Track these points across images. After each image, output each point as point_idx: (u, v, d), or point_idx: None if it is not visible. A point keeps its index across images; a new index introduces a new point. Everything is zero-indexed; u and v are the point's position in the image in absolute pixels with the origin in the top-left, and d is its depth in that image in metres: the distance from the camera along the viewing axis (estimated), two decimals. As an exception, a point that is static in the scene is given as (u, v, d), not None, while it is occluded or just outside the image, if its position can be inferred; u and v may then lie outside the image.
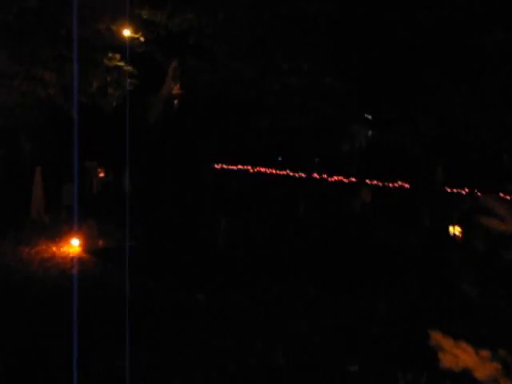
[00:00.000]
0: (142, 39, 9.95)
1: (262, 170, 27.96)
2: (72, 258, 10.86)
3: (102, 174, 20.29)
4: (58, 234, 12.97)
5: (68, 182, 15.76)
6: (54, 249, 11.72)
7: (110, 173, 20.84)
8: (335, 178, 22.30)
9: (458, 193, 16.53)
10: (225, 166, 23.45)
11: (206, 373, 6.65)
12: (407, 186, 19.39)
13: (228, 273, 10.78)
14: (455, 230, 13.36)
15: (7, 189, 16.11)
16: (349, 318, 8.70)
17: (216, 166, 20.82)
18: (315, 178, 22.63)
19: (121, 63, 10.01)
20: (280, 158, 37.96)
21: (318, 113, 10.73)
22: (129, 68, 10.07)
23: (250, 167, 27.80)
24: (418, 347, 6.31)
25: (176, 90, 8.81)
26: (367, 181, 19.52)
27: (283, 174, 25.35)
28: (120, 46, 9.53)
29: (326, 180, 22.39)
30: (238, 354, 7.18)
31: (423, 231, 13.40)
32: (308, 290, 9.39)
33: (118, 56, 9.97)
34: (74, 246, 11.65)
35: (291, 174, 25.69)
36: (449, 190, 16.64)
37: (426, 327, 3.46)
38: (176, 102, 8.82)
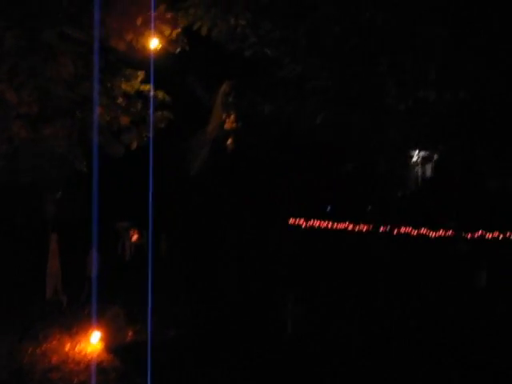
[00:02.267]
0: (178, 48, 7.17)
1: (316, 223, 24.90)
2: (88, 365, 7.90)
3: (135, 237, 17.52)
4: (77, 320, 10.07)
5: (93, 248, 13.05)
6: (68, 346, 8.76)
7: (145, 234, 18.10)
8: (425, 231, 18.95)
9: None
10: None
11: None
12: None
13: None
14: None
15: (21, 263, 13.42)
16: None
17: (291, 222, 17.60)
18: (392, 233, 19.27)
19: (146, 86, 7.22)
20: (329, 208, 34.68)
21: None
22: (160, 94, 7.28)
23: (302, 221, 24.78)
24: None
25: (229, 123, 6.00)
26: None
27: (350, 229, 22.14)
28: (143, 63, 6.78)
29: (407, 235, 19.06)
30: None
31: None
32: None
33: (141, 74, 7.17)
34: (93, 342, 8.71)
35: (352, 227, 22.55)
36: None
37: None
38: (230, 141, 6.00)
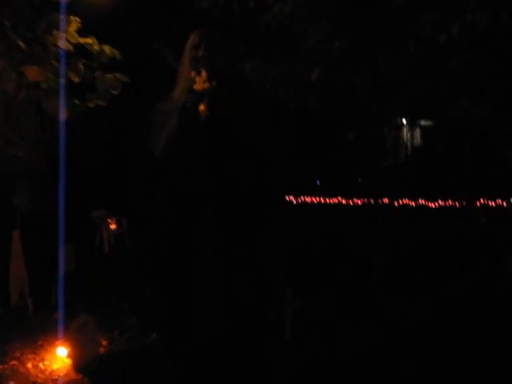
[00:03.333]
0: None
1: (308, 199, 23.63)
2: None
3: (113, 226, 16.21)
4: (44, 329, 8.73)
5: (66, 242, 11.73)
6: (30, 365, 7.44)
7: (124, 222, 16.79)
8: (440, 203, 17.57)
9: None
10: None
11: None
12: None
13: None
14: None
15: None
16: None
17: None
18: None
19: (88, 39, 5.73)
20: (318, 182, 33.59)
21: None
22: (107, 49, 5.80)
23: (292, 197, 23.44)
24: None
25: (200, 83, 4.64)
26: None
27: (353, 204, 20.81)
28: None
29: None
30: None
31: None
32: None
33: (75, 20, 5.67)
34: (59, 358, 7.41)
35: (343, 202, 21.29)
36: None
37: None
38: (203, 106, 4.64)
